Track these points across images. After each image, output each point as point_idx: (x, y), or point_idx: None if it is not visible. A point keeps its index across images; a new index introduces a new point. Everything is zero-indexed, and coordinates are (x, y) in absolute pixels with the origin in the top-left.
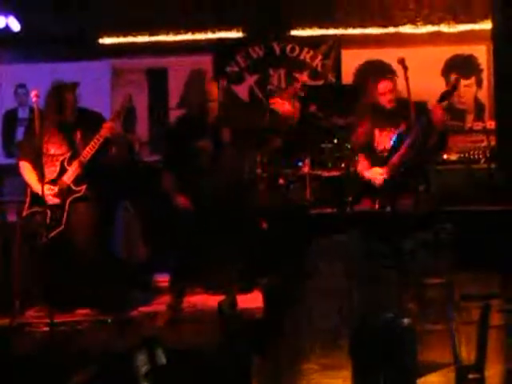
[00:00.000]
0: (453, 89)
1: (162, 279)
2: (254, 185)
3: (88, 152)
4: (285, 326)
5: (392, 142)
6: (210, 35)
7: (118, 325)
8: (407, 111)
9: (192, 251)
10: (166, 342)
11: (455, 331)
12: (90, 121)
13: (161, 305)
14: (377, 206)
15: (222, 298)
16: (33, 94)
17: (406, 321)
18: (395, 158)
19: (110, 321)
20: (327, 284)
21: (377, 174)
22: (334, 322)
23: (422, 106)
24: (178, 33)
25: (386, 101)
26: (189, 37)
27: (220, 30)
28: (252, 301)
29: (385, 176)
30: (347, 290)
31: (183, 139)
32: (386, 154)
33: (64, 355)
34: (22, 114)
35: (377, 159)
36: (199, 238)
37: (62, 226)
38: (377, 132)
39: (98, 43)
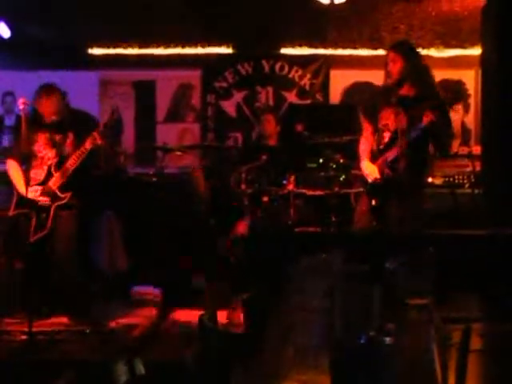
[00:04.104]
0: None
1: (143, 291)
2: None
3: (73, 162)
4: (265, 341)
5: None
6: (199, 50)
7: (96, 336)
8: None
9: None
10: (145, 354)
11: (435, 354)
12: (80, 122)
13: (141, 317)
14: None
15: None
16: (20, 101)
17: (387, 340)
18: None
19: (88, 331)
20: (309, 302)
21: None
22: (316, 340)
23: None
24: (167, 46)
25: (389, 70)
26: (178, 51)
27: (209, 45)
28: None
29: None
30: (329, 309)
31: None
32: (387, 134)
33: (42, 364)
34: (9, 121)
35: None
36: None
37: (46, 231)
38: (383, 110)
39: (88, 53)
